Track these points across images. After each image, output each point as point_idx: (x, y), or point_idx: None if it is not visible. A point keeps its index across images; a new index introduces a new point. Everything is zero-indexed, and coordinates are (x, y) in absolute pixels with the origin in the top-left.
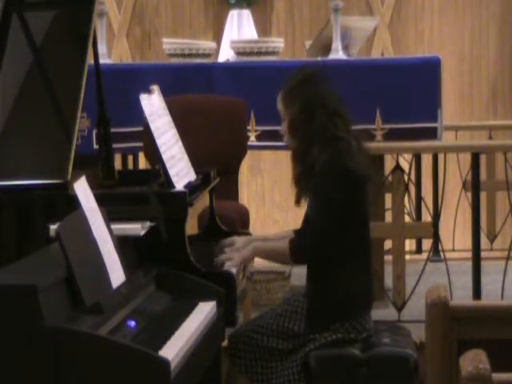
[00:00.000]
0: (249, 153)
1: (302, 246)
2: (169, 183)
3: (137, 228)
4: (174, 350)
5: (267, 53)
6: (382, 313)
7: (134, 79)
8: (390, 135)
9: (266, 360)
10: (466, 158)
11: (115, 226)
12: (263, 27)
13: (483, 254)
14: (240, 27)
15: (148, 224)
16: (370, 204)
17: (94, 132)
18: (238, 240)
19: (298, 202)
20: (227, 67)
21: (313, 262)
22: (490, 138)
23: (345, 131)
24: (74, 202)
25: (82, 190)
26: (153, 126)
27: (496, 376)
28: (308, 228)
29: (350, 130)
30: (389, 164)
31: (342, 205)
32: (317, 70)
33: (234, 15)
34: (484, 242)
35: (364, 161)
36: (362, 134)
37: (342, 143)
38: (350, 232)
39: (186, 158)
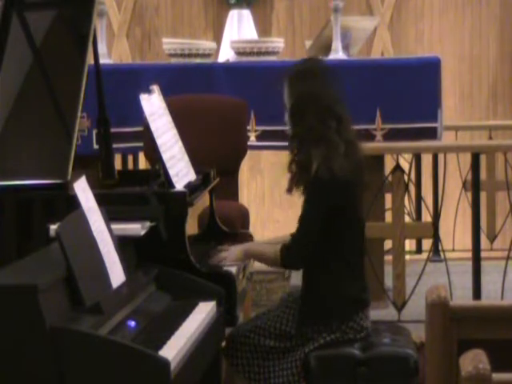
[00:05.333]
0: (249, 153)
1: (292, 255)
2: (169, 183)
3: (137, 228)
4: (174, 350)
5: (267, 53)
6: (382, 313)
7: (134, 79)
8: (390, 135)
9: (263, 359)
10: (466, 158)
11: (115, 226)
12: (263, 27)
13: (483, 254)
14: (240, 27)
15: (148, 224)
16: (359, 206)
17: (94, 132)
18: (233, 248)
19: (289, 189)
20: (227, 67)
21: (305, 266)
22: (490, 138)
23: (337, 132)
24: (74, 202)
25: (82, 189)
26: (153, 126)
27: (496, 376)
28: (297, 236)
29: (345, 130)
30: (389, 164)
31: (326, 212)
32: (321, 65)
33: (234, 15)
34: (484, 242)
35: (349, 166)
36: (359, 136)
37: (329, 146)
38: (339, 235)
39: (185, 158)
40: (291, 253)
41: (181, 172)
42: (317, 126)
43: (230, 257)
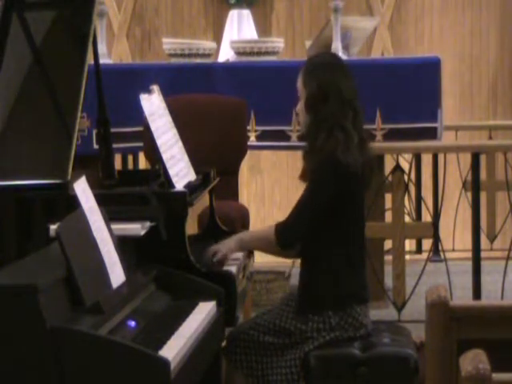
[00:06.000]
0: (249, 153)
1: (286, 229)
2: (169, 183)
3: (137, 228)
4: (174, 350)
5: (267, 53)
6: (382, 313)
7: (134, 79)
8: (390, 135)
9: (261, 355)
10: (466, 158)
11: (115, 226)
12: (263, 27)
13: (483, 254)
14: (240, 27)
15: (148, 224)
16: (362, 200)
17: (94, 132)
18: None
19: (302, 176)
20: (227, 67)
21: (300, 248)
22: (490, 138)
23: (352, 125)
24: (74, 202)
25: (82, 189)
26: (153, 126)
27: (496, 376)
28: (293, 213)
29: (359, 125)
30: (389, 164)
31: (329, 197)
32: (340, 59)
33: (233, 15)
34: (484, 242)
35: (361, 159)
36: (368, 134)
37: (346, 136)
38: (338, 225)
39: (185, 158)
40: (286, 230)
41: (181, 172)
42: (337, 114)
43: (223, 248)
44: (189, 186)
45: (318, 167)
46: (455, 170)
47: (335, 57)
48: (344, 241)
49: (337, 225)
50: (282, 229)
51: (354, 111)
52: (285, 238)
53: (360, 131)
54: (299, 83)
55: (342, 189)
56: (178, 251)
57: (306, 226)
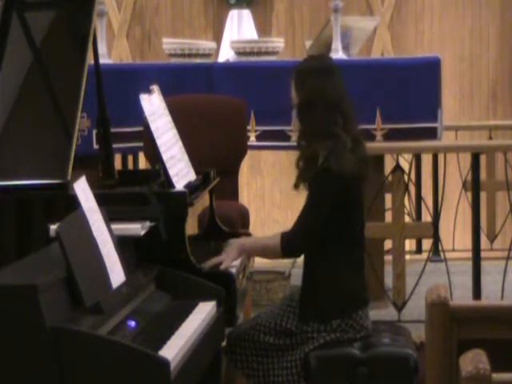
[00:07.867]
0: (249, 153)
1: (292, 242)
2: (169, 183)
3: (137, 228)
4: (174, 350)
5: (267, 53)
6: (382, 313)
7: (134, 79)
8: (390, 135)
9: (261, 356)
10: (466, 158)
11: (115, 226)
12: (263, 27)
13: (483, 254)
14: (240, 27)
15: (148, 224)
16: (362, 204)
17: (94, 132)
18: (228, 249)
19: (296, 186)
20: (227, 67)
21: (305, 255)
22: (490, 138)
23: (343, 128)
24: (74, 202)
25: (82, 189)
26: (153, 126)
27: (496, 376)
28: (299, 224)
29: (351, 127)
30: (389, 164)
31: (329, 205)
32: (329, 62)
33: (233, 15)
34: (484, 242)
35: (355, 161)
36: (363, 134)
37: (337, 141)
38: (341, 232)
39: (185, 158)
40: (292, 240)
41: (181, 172)
42: (325, 121)
43: (227, 260)
44: (189, 186)
45: (314, 178)
46: (455, 170)
47: (321, 60)
48: (347, 246)
49: (339, 231)
50: (287, 240)
51: (343, 115)
52: (290, 249)
53: (353, 133)
54: (292, 91)
55: (341, 196)
56: (178, 251)
57: (311, 237)
